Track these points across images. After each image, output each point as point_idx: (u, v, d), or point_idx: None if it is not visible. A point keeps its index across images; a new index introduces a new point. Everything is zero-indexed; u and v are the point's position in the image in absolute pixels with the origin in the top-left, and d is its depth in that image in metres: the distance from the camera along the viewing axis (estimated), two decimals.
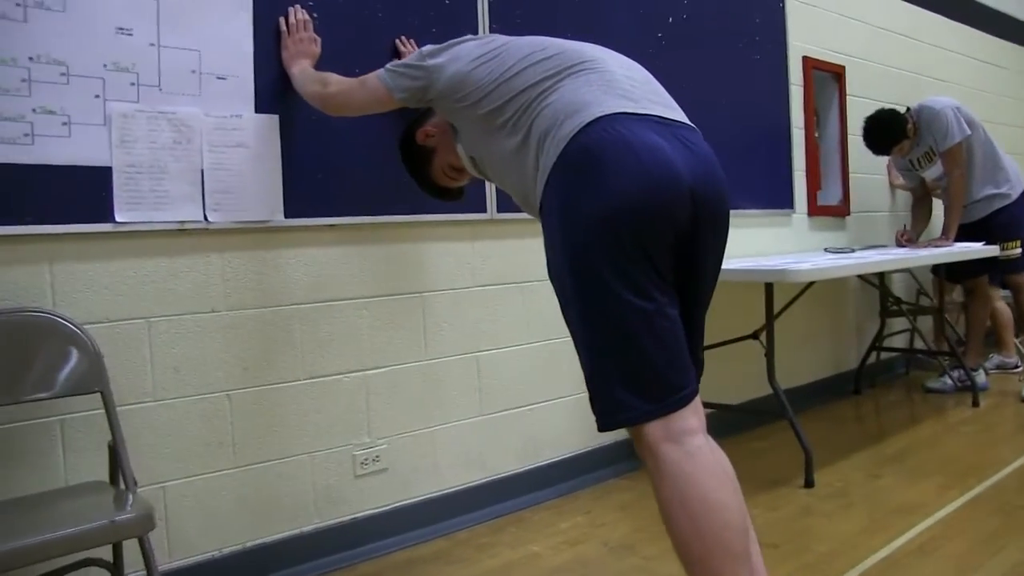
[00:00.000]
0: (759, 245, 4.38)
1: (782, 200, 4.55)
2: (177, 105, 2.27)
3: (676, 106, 1.92)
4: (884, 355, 5.26)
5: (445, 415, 2.97)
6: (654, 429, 1.66)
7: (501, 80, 1.91)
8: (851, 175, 5.03)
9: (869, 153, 4.80)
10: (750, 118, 4.33)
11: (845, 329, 5.09)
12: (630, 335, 1.66)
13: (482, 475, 3.07)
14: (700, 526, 1.60)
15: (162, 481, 2.31)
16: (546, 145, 1.77)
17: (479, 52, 1.99)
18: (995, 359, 5.43)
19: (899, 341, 5.42)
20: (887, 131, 4.62)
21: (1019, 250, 4.73)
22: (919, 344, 5.37)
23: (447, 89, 2.02)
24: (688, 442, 1.66)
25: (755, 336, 3.55)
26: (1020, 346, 5.33)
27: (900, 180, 5.21)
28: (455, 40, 2.10)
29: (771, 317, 3.43)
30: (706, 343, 3.65)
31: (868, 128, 4.66)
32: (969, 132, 4.59)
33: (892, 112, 4.64)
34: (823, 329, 4.90)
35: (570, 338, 1.79)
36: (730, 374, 3.91)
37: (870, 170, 5.18)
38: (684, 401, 1.70)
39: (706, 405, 3.66)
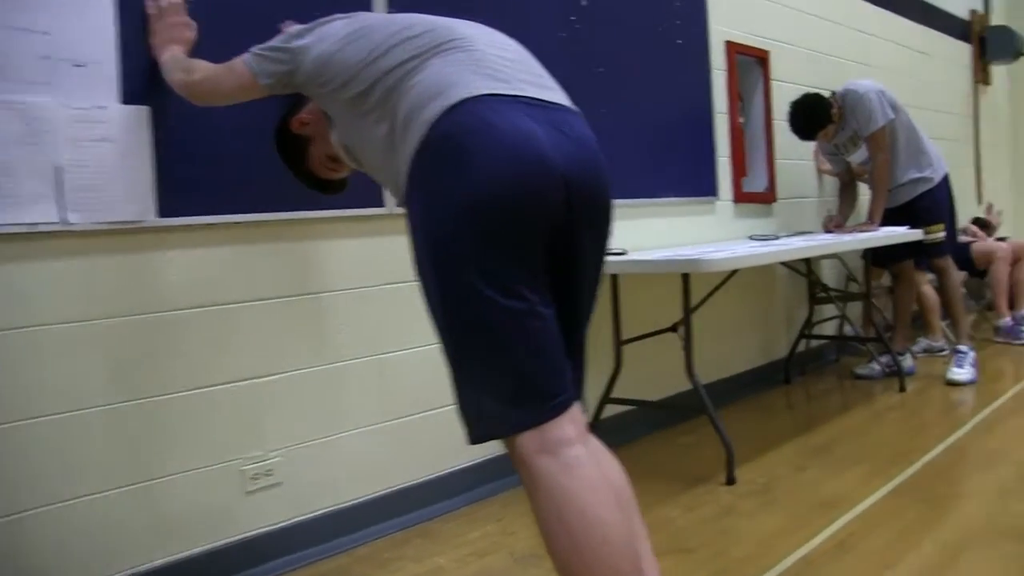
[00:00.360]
0: (683, 234, 4.27)
1: (705, 187, 4.45)
2: (24, 95, 2.06)
3: (555, 87, 1.79)
4: (814, 343, 5.20)
5: (346, 422, 2.81)
6: (527, 440, 1.54)
7: (367, 61, 1.75)
8: (777, 161, 4.96)
9: (795, 138, 4.72)
10: (671, 104, 4.22)
11: (774, 317, 5.01)
12: (497, 338, 1.53)
13: (387, 485, 2.90)
14: (578, 542, 1.48)
15: (21, 511, 2.11)
16: (409, 131, 1.62)
17: (346, 31, 1.84)
18: (923, 343, 5.41)
19: (829, 328, 5.36)
20: (812, 116, 4.55)
21: (943, 234, 4.69)
22: (849, 330, 5.32)
23: (313, 73, 1.86)
24: (565, 453, 1.54)
25: (674, 329, 3.43)
26: (947, 329, 5.30)
27: (827, 165, 5.14)
28: (323, 19, 1.94)
29: (688, 309, 3.32)
30: (625, 337, 3.61)
31: (793, 113, 4.58)
32: (893, 116, 4.54)
33: (817, 97, 4.56)
34: (752, 318, 4.82)
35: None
36: (651, 369, 3.81)
37: (797, 155, 5.11)
38: (559, 409, 1.57)
39: (624, 402, 3.62)
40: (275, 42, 1.97)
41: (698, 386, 3.30)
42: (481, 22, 1.87)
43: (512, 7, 3.40)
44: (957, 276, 4.83)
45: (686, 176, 4.32)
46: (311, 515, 2.68)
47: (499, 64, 1.69)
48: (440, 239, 1.54)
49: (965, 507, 2.81)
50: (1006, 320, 5.72)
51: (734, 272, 3.80)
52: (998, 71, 8.30)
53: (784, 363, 4.92)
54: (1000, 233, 6.89)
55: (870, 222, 4.56)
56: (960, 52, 7.62)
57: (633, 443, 3.77)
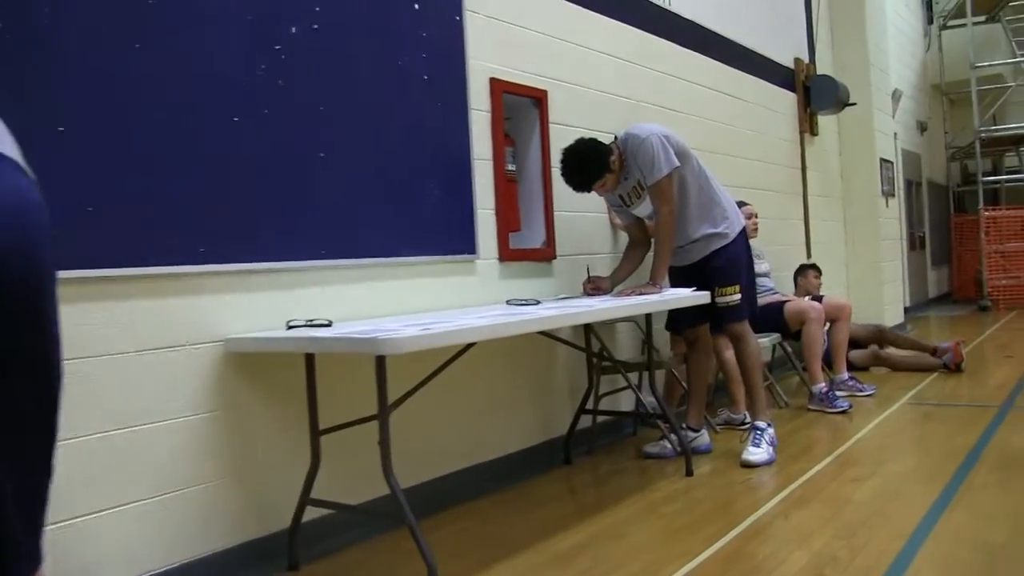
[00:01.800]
0: (431, 299, 3.67)
1: (462, 245, 3.85)
2: None
3: None
4: (605, 416, 4.63)
5: None
6: None
7: None
8: (558, 213, 4.41)
9: None
10: (416, 150, 3.63)
11: (556, 388, 4.43)
12: None
13: None
14: None
15: None
16: None
17: None
18: (724, 414, 4.94)
19: (626, 398, 4.82)
20: (585, 165, 3.99)
21: (738, 296, 4.19)
22: (643, 403, 4.75)
23: None
24: None
25: (375, 418, 2.80)
26: None
27: (620, 219, 4.62)
28: None
29: (384, 399, 2.68)
30: (325, 425, 2.97)
31: (564, 162, 4.02)
32: (678, 164, 4.01)
33: (592, 143, 4.02)
34: (527, 390, 4.23)
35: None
36: (364, 462, 3.14)
37: (584, 207, 4.57)
38: None
39: (323, 504, 2.95)
40: None
41: (395, 490, 2.69)
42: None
43: (188, 31, 2.78)
44: (756, 344, 4.34)
45: (436, 232, 3.73)
46: None
47: None
48: None
49: None
50: (820, 386, 5.30)
51: (470, 345, 3.18)
52: (826, 121, 8.07)
53: (564, 441, 4.33)
54: (825, 291, 6.56)
55: (652, 283, 4.03)
56: (784, 101, 7.33)
57: (340, 553, 3.12)
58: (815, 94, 7.53)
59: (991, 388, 5.83)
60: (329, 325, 3.00)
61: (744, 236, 4.33)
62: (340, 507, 2.99)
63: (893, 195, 8.99)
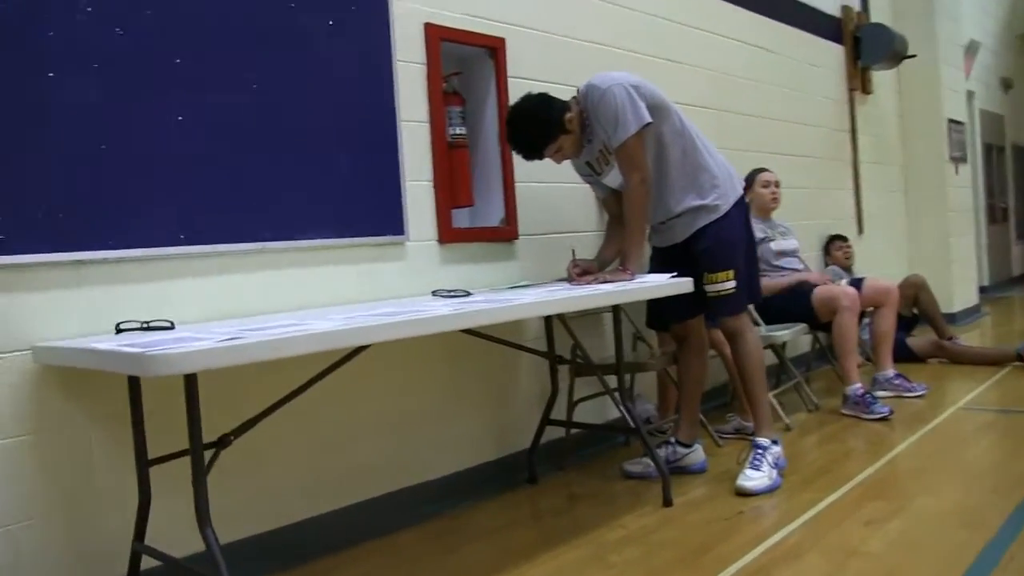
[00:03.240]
0: (342, 291, 3.04)
1: (384, 224, 3.18)
2: None
3: None
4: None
5: None
6: None
7: None
8: (523, 185, 3.70)
9: None
10: (318, 111, 2.97)
11: (517, 396, 3.72)
12: None
13: None
14: None
15: None
16: None
17: None
18: (735, 421, 4.18)
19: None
20: (532, 126, 3.25)
21: (732, 283, 3.42)
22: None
23: None
24: None
25: (222, 443, 2.16)
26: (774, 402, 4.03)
27: (595, 191, 3.84)
28: None
29: (195, 428, 2.03)
30: (155, 454, 2.24)
31: (508, 123, 3.29)
32: (650, 119, 3.22)
33: (541, 98, 3.27)
34: (473, 399, 3.53)
35: None
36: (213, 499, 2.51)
37: (559, 176, 3.79)
38: None
39: (154, 553, 2.24)
40: None
41: (210, 543, 2.04)
42: None
43: None
44: (756, 342, 3.56)
45: (349, 210, 3.06)
46: None
47: None
48: None
49: None
50: (855, 387, 4.46)
51: (361, 348, 2.50)
52: (884, 79, 7.13)
53: (527, 456, 3.63)
54: (882, 270, 5.70)
55: (623, 268, 3.29)
56: (829, 54, 6.43)
57: None
58: (865, 46, 6.60)
59: None
60: (171, 327, 2.37)
61: (743, 208, 3.54)
62: (169, 559, 2.34)
63: (965, 161, 7.99)
